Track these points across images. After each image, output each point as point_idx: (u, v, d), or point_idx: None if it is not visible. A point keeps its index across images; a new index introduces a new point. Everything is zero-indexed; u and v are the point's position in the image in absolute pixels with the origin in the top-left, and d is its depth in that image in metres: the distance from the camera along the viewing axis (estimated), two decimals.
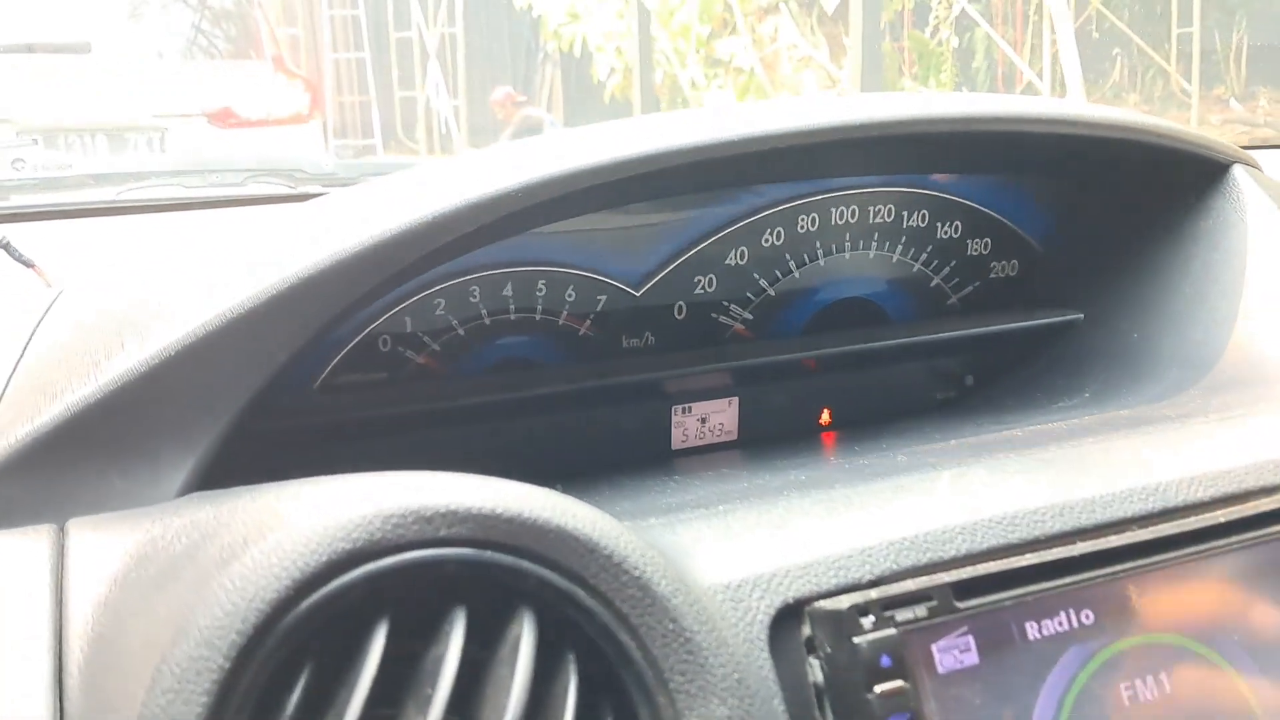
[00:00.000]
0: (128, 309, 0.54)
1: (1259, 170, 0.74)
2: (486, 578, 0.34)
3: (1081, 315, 0.75)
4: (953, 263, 0.77)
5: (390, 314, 0.62)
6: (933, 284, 0.77)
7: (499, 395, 0.63)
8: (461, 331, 0.64)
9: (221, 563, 0.34)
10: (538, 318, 0.66)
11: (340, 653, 0.34)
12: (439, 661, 0.33)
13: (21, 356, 0.56)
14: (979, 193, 0.76)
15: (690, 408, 0.70)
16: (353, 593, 0.33)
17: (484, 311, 0.65)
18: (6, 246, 0.78)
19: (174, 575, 0.37)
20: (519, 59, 8.01)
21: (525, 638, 0.34)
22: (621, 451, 0.70)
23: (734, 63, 5.91)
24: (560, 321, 0.67)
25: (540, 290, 0.66)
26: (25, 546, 0.44)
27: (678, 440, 0.71)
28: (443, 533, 0.34)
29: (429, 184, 0.55)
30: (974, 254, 0.77)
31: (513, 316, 0.66)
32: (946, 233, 0.76)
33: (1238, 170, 0.71)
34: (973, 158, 0.73)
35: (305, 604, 0.33)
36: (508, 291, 0.65)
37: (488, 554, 0.34)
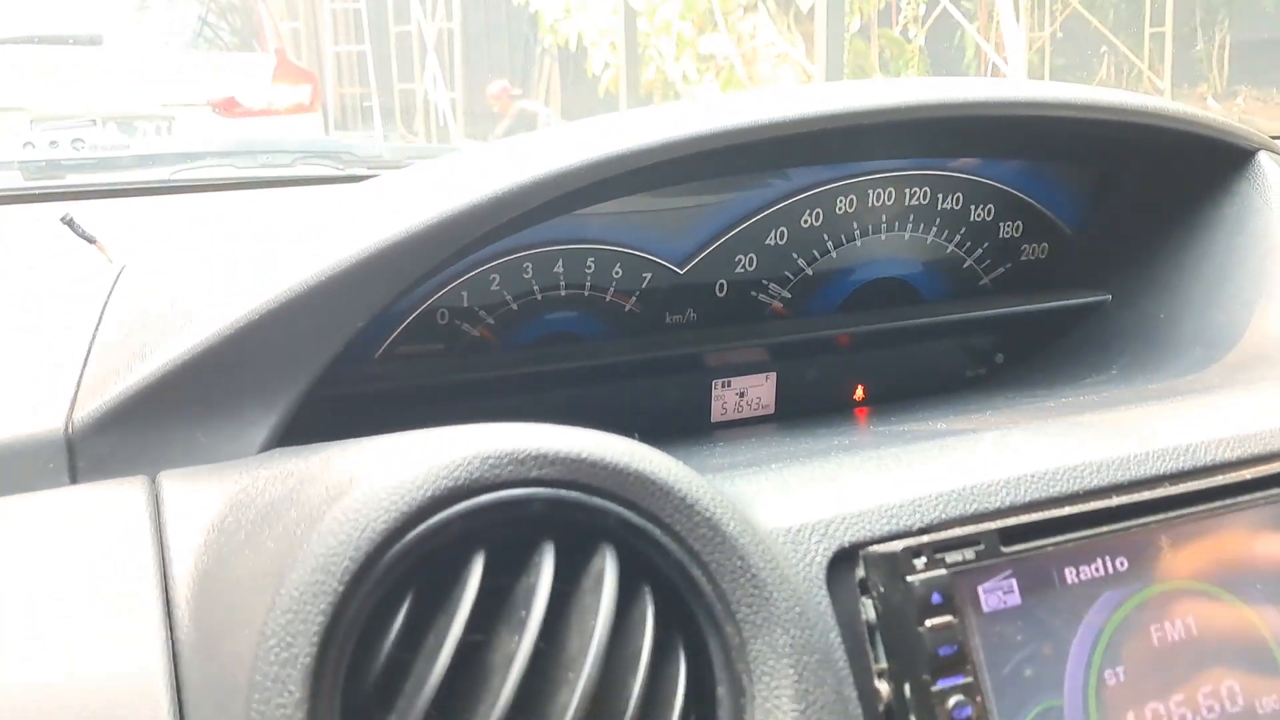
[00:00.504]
0: (211, 276, 0.58)
1: None
2: (571, 516, 0.38)
3: (1109, 296, 0.78)
4: (985, 244, 0.80)
5: (448, 288, 0.66)
6: (965, 265, 0.80)
7: (548, 366, 0.67)
8: (514, 306, 0.68)
9: (330, 499, 0.38)
10: (586, 293, 0.70)
11: (438, 583, 0.37)
12: (530, 590, 0.37)
13: (100, 323, 0.60)
14: (1011, 177, 0.79)
15: (730, 382, 0.74)
16: (452, 526, 0.37)
17: (536, 287, 0.68)
18: (70, 223, 0.81)
19: (275, 516, 0.41)
20: (517, 53, 8.18)
21: (608, 571, 0.38)
22: (663, 422, 0.73)
23: (724, 58, 6.10)
24: (607, 297, 0.70)
25: (589, 267, 0.69)
26: (122, 495, 0.48)
27: (717, 413, 0.74)
28: (533, 473, 0.37)
29: (489, 164, 0.59)
30: (1006, 236, 0.81)
31: (563, 292, 0.69)
32: (980, 215, 0.79)
33: (1263, 156, 0.74)
34: (1006, 142, 0.76)
35: (411, 535, 0.36)
36: (558, 268, 0.69)
37: (573, 494, 0.38)
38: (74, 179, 0.93)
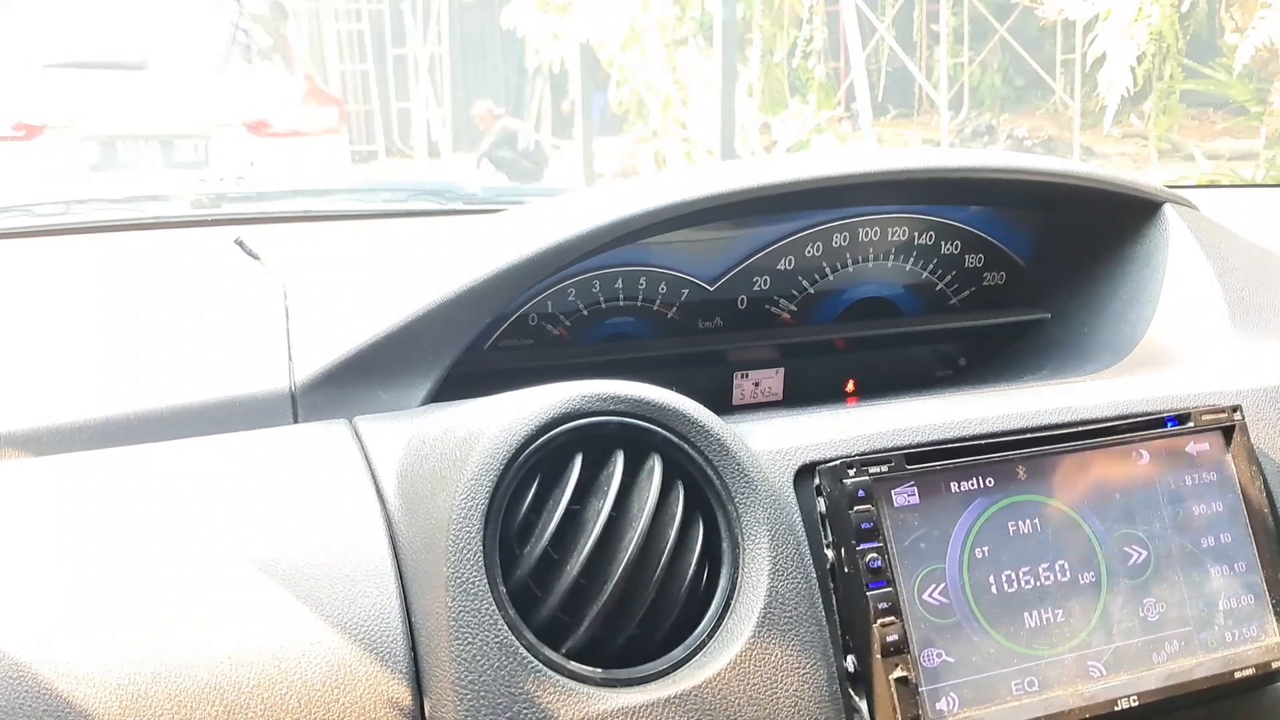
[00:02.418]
0: (380, 284, 0.86)
1: (1193, 208, 1.03)
2: (634, 434, 0.65)
3: (1049, 314, 1.04)
4: (953, 272, 1.06)
5: (537, 299, 0.94)
6: (937, 288, 1.06)
7: (610, 357, 0.94)
8: (585, 312, 0.96)
9: (487, 422, 0.65)
10: (639, 304, 0.97)
11: (553, 472, 0.65)
12: (609, 478, 0.64)
13: (288, 318, 0.88)
14: (976, 220, 1.06)
15: (747, 374, 1.01)
16: (562, 437, 0.64)
17: (601, 298, 0.96)
18: (240, 243, 1.10)
19: (449, 434, 0.68)
20: (511, 75, 8.81)
21: (656, 469, 0.65)
22: None
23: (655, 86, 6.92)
24: (655, 307, 0.98)
25: (641, 284, 0.97)
26: (333, 430, 0.75)
27: (737, 398, 1.01)
28: (611, 407, 0.65)
29: (578, 208, 0.86)
30: (970, 266, 1.07)
31: (621, 302, 0.97)
32: (949, 249, 1.06)
33: (1168, 208, 1.00)
34: (969, 194, 1.03)
35: (539, 441, 0.64)
36: (618, 285, 0.96)
37: (636, 420, 0.65)
38: (232, 208, 1.22)
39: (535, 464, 0.65)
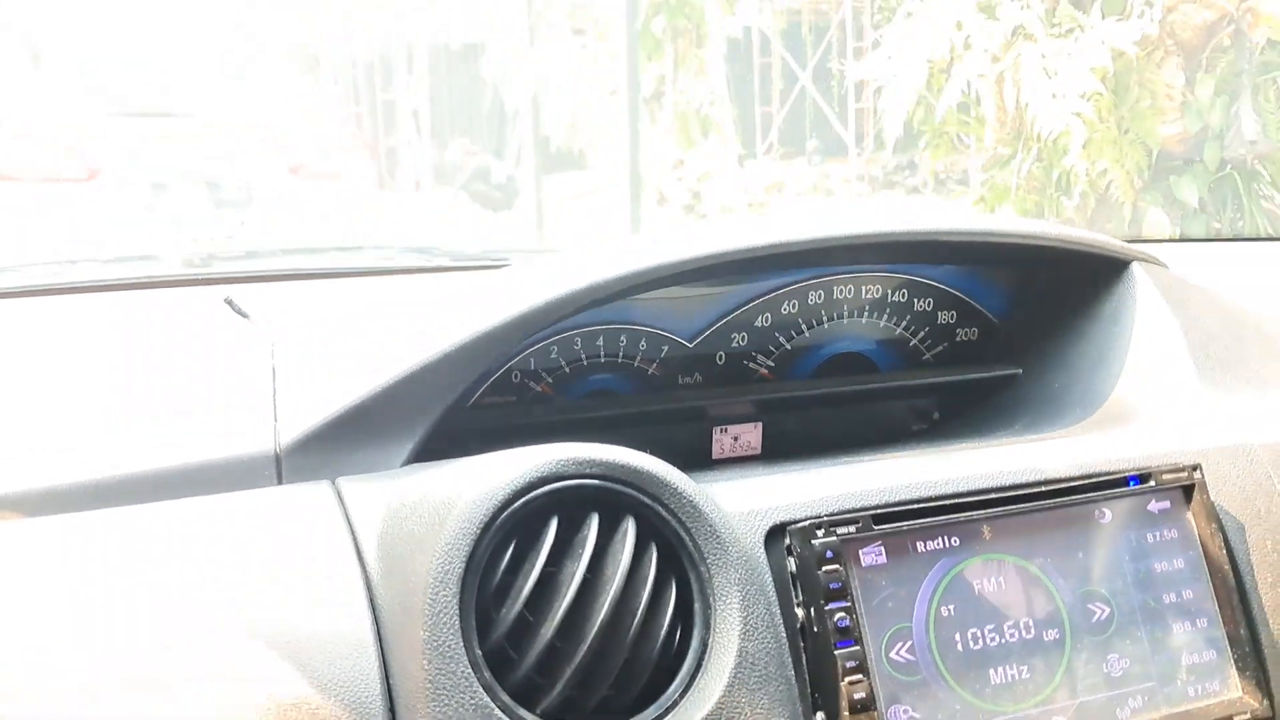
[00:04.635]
0: (365, 345, 0.88)
1: (1162, 266, 1.06)
2: (609, 497, 0.67)
3: (1020, 370, 1.07)
4: (927, 328, 1.09)
5: (520, 356, 0.96)
6: (911, 344, 1.09)
7: (592, 414, 0.96)
8: (567, 369, 0.98)
9: (465, 485, 0.67)
10: (619, 360, 0.99)
11: (529, 534, 0.66)
12: (584, 540, 0.66)
13: (275, 378, 0.90)
14: (948, 277, 1.08)
15: (726, 429, 1.03)
16: (538, 500, 0.66)
17: (583, 355, 0.98)
18: (230, 303, 1.12)
19: (428, 498, 0.70)
20: (494, 119, 9.38)
21: (630, 531, 0.67)
22: (675, 459, 1.00)
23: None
24: (635, 363, 1.00)
25: (622, 341, 0.99)
26: (317, 492, 0.77)
27: (716, 452, 1.03)
28: (587, 470, 0.67)
29: (562, 270, 0.89)
30: (943, 322, 1.09)
31: (602, 359, 0.99)
32: (922, 306, 1.08)
33: (1135, 266, 1.03)
34: (942, 254, 1.05)
35: (515, 504, 0.65)
36: (600, 342, 0.98)
37: (610, 484, 0.67)
38: (223, 267, 1.24)
39: (512, 526, 0.66)
